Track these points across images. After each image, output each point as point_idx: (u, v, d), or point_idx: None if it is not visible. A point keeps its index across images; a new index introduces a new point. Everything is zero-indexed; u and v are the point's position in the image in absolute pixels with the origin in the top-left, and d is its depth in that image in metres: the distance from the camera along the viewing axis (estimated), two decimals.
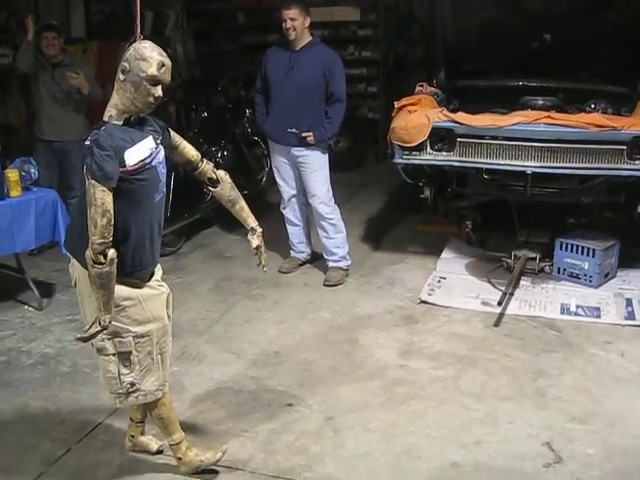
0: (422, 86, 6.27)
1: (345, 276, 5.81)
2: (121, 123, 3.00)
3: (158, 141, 3.15)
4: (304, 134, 5.48)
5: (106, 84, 7.90)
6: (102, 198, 2.85)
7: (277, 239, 6.02)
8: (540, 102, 5.85)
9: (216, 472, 3.49)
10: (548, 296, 5.40)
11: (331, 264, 5.82)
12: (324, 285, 5.72)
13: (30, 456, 3.69)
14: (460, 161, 5.45)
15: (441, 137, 5.47)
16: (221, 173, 3.50)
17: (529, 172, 5.21)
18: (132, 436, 3.66)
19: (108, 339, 3.12)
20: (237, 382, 4.32)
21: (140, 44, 3.01)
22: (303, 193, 5.86)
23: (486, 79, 6.47)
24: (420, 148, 5.50)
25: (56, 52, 6.23)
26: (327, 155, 5.69)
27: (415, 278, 5.79)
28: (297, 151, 5.61)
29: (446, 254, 6.18)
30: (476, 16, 6.34)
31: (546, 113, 5.35)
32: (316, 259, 6.12)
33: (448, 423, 3.86)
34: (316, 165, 5.63)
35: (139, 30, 3.21)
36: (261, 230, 3.51)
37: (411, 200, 6.62)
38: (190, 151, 3.43)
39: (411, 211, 7.11)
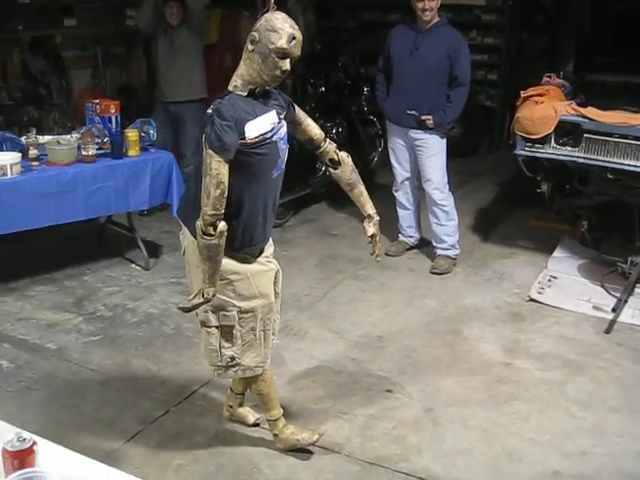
0: (550, 77, 6.05)
1: (453, 265, 5.69)
2: (245, 94, 2.92)
3: (281, 116, 3.06)
4: (423, 117, 5.36)
5: (226, 52, 8.02)
6: (217, 169, 2.80)
7: (385, 221, 5.82)
8: None
9: (311, 452, 3.47)
10: None
11: (440, 252, 5.70)
12: (431, 272, 5.61)
13: (129, 413, 3.75)
14: (585, 158, 5.23)
15: (567, 131, 5.26)
16: (343, 155, 3.37)
17: None
18: (230, 406, 3.67)
19: (212, 312, 3.10)
20: (337, 362, 4.28)
21: (272, 15, 2.90)
22: (417, 177, 5.75)
23: (617, 75, 6.21)
24: (544, 141, 5.31)
25: (177, 22, 6.31)
26: (445, 140, 5.55)
27: (524, 274, 5.62)
28: (415, 134, 5.50)
29: (558, 253, 5.96)
30: (615, 8, 6.06)
31: None
32: (424, 245, 6.02)
33: (552, 429, 3.72)
34: (433, 149, 5.50)
35: (273, 0, 3.12)
36: (378, 218, 3.39)
37: (524, 193, 6.45)
38: (314, 129, 3.32)
39: (523, 204, 6.90)
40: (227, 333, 3.15)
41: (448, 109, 5.40)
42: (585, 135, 5.20)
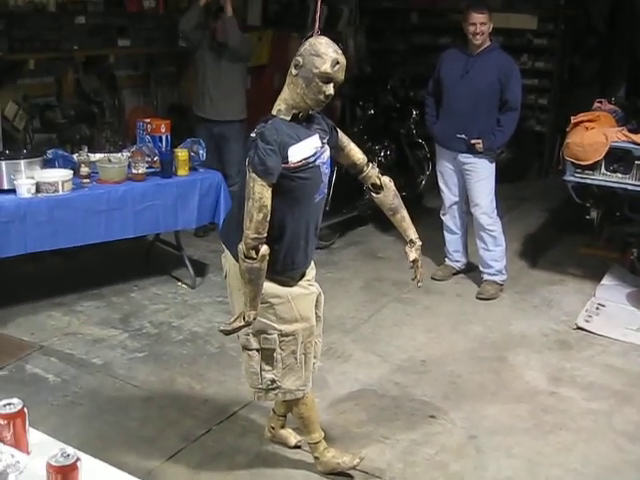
0: (601, 102, 6.01)
1: (500, 291, 5.64)
2: (289, 119, 2.93)
3: (324, 140, 3.06)
4: (473, 141, 5.33)
5: (276, 73, 8.08)
6: (261, 192, 2.80)
7: (431, 245, 5.85)
8: None
9: (351, 477, 3.44)
10: None
11: (486, 277, 5.65)
12: (477, 298, 5.57)
13: (172, 431, 3.76)
14: (636, 185, 5.17)
15: (618, 158, 5.22)
16: (385, 180, 3.35)
17: None
18: (272, 427, 3.67)
19: (253, 335, 3.10)
20: (381, 386, 4.25)
21: (316, 39, 2.90)
22: (465, 201, 5.72)
23: None
24: (594, 167, 5.27)
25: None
26: (494, 164, 5.51)
27: (572, 302, 5.54)
28: (464, 158, 5.47)
29: (607, 280, 5.87)
30: None
31: None
32: (471, 270, 5.97)
33: (598, 461, 3.65)
34: (482, 174, 5.47)
35: (317, 25, 3.11)
36: (420, 243, 3.35)
37: (574, 219, 6.37)
38: (357, 154, 3.30)
39: (572, 231, 6.82)
40: (268, 356, 3.14)
41: (498, 133, 5.36)
42: (636, 162, 5.15)
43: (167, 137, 5.45)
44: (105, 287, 5.46)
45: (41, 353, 4.50)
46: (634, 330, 5.08)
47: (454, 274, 5.97)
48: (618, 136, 5.24)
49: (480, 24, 5.24)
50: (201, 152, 5.37)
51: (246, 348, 3.16)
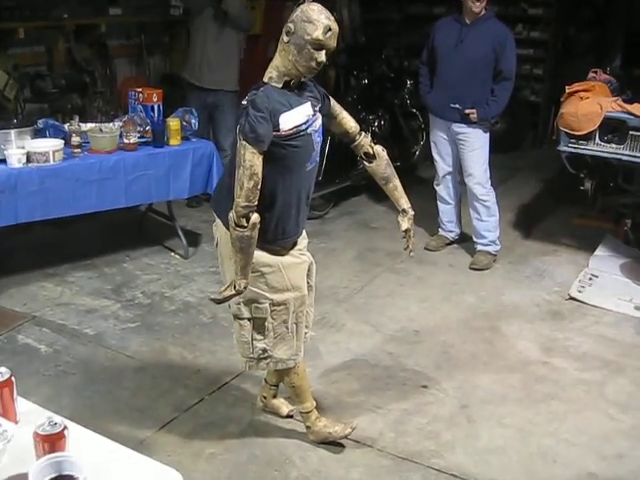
0: (595, 72, 5.96)
1: (493, 261, 5.63)
2: (280, 86, 2.90)
3: (316, 108, 3.04)
4: (467, 110, 5.30)
5: (270, 42, 8.02)
6: (251, 160, 2.79)
7: (425, 215, 5.85)
8: None
9: (343, 446, 3.46)
10: None
11: (480, 247, 5.65)
12: (470, 268, 5.56)
13: (164, 401, 3.77)
14: (630, 155, 5.14)
15: (612, 128, 5.18)
16: (378, 149, 3.33)
17: None
18: (264, 397, 3.68)
19: (244, 304, 3.10)
20: (373, 356, 4.26)
21: (308, 6, 2.86)
22: (459, 171, 5.70)
23: None
24: (588, 137, 5.24)
25: None
26: (488, 134, 5.48)
27: (565, 272, 5.54)
28: (458, 127, 5.44)
29: (600, 251, 5.86)
30: None
31: None
32: (464, 240, 5.96)
33: (589, 430, 3.66)
34: (476, 144, 5.44)
35: None
36: (413, 213, 3.34)
37: (567, 190, 6.36)
38: (349, 122, 3.28)
39: (566, 201, 6.82)
40: (259, 325, 3.15)
41: (492, 103, 5.33)
42: (631, 132, 5.10)
43: (159, 106, 5.40)
44: (97, 257, 5.45)
45: (33, 323, 4.49)
46: (627, 301, 5.08)
47: (447, 244, 5.97)
48: (613, 106, 5.20)
49: None
50: (193, 121, 5.33)
51: (237, 317, 3.15)
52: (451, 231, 5.95)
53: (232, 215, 2.85)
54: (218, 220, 3.12)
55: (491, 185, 5.58)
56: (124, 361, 4.13)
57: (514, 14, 9.41)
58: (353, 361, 4.21)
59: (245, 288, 2.95)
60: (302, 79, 2.96)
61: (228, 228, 2.91)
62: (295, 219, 3.10)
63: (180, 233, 5.60)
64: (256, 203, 2.84)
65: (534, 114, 9.48)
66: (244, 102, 2.85)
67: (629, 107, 5.14)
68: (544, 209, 6.93)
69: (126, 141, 5.01)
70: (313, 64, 2.85)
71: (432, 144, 5.79)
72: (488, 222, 5.58)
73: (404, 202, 3.35)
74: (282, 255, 3.12)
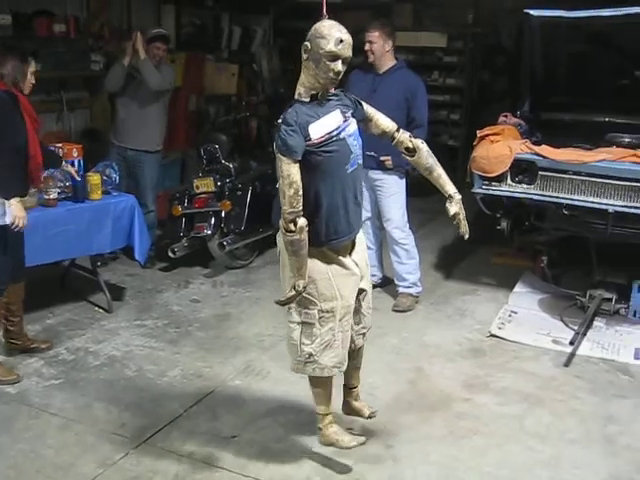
0: (506, 116, 6.18)
1: (415, 303, 5.75)
2: (308, 100, 3.22)
3: (347, 114, 3.33)
4: (382, 157, 5.43)
5: (190, 95, 8.10)
6: (288, 170, 3.10)
7: None
8: (626, 140, 5.66)
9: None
10: (622, 339, 5.21)
11: (401, 290, 5.76)
12: (393, 310, 5.66)
13: (89, 457, 3.73)
14: (540, 195, 5.34)
15: (523, 169, 5.39)
16: (417, 142, 3.64)
17: (611, 211, 5.06)
18: (347, 401, 3.86)
19: (295, 308, 3.38)
20: (299, 402, 4.26)
21: (321, 23, 3.19)
22: (378, 217, 5.82)
23: (571, 113, 6.32)
24: (500, 179, 5.43)
25: (158, 61, 6.30)
26: (404, 180, 5.63)
27: (486, 310, 5.69)
28: (374, 174, 5.57)
29: (519, 288, 6.05)
30: (565, 49, 6.20)
31: (632, 151, 5.17)
32: (387, 283, 6.06)
33: (510, 463, 3.75)
34: (392, 189, 5.59)
35: (324, 10, 3.48)
36: (460, 197, 3.63)
37: (486, 231, 6.51)
38: (385, 122, 3.61)
39: (485, 242, 6.97)
40: (307, 330, 3.39)
41: None
42: (540, 172, 5.31)
43: (80, 161, 5.43)
44: None
45: None
46: (545, 335, 5.25)
47: None
48: (522, 148, 5.40)
49: (369, 42, 5.42)
50: (114, 176, 5.37)
51: (289, 320, 3.44)
52: (373, 275, 5.98)
53: (282, 222, 3.16)
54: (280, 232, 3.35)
55: (410, 228, 5.72)
56: (48, 419, 4.07)
57: (430, 62, 9.74)
58: (279, 407, 4.23)
59: (304, 288, 3.23)
60: (328, 90, 3.27)
61: None
62: (345, 219, 3.36)
63: (104, 287, 5.56)
64: (300, 208, 3.15)
65: (453, 158, 9.69)
66: (279, 121, 3.18)
67: (537, 149, 5.34)
68: (464, 250, 7.07)
69: (46, 197, 4.99)
70: (331, 74, 3.17)
71: None
72: (408, 265, 5.70)
73: (450, 188, 3.66)
74: (334, 263, 3.36)
